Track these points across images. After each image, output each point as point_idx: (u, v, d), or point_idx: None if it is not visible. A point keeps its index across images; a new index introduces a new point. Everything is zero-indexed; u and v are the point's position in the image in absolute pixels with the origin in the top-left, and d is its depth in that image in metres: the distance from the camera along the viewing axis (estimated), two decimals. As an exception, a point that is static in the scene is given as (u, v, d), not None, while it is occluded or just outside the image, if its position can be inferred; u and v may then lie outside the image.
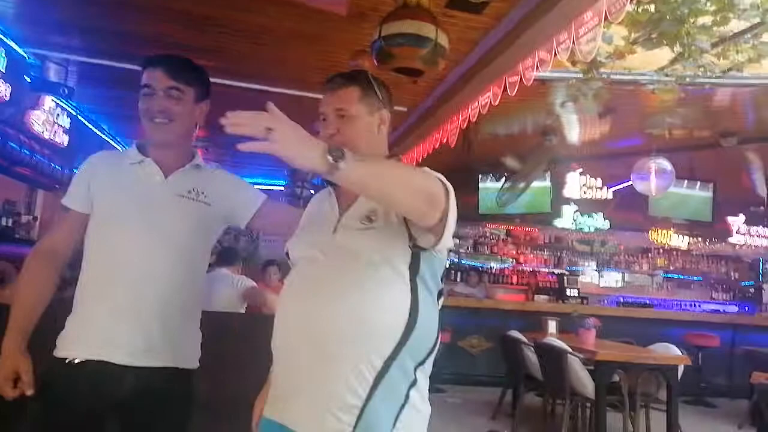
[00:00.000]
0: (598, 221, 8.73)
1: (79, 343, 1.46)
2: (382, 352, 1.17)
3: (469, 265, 9.83)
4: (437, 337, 1.26)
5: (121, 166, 1.57)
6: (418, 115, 5.43)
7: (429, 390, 1.28)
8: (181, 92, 1.54)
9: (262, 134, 0.96)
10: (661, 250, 10.18)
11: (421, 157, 6.02)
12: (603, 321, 4.70)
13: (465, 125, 4.83)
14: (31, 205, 5.80)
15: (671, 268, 10.37)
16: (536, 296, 8.51)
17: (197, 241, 1.58)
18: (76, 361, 1.44)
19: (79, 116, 5.99)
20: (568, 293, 8.20)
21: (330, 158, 0.99)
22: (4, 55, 4.16)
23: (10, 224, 4.60)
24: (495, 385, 5.29)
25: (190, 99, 1.56)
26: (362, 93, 1.34)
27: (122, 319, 1.45)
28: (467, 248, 10.26)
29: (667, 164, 5.78)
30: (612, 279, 10.41)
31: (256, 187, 1.78)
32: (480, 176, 7.66)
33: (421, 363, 1.22)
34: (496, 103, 4.19)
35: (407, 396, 1.19)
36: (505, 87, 3.90)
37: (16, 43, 4.33)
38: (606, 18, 2.81)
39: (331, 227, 1.28)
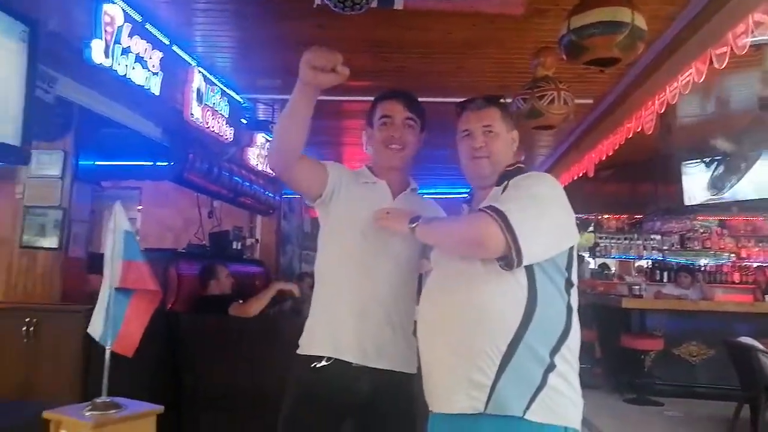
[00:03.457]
0: None
1: (320, 343, 1.63)
2: (505, 336, 1.30)
3: (677, 263, 8.82)
4: (567, 324, 1.35)
5: (357, 183, 1.75)
6: (605, 105, 5.07)
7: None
8: (414, 122, 1.73)
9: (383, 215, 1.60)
10: None
11: (611, 150, 5.59)
12: None
13: (662, 109, 4.37)
14: (253, 230, 6.72)
15: None
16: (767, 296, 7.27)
17: (415, 259, 1.71)
18: (322, 362, 1.59)
19: (283, 148, 6.77)
20: (811, 291, 6.86)
21: (411, 224, 1.52)
22: (227, 103, 4.91)
23: (239, 247, 5.38)
24: (721, 398, 4.67)
25: (418, 129, 1.75)
26: (502, 114, 1.58)
27: (357, 322, 1.60)
28: (672, 245, 9.22)
29: None
30: None
31: (439, 195, 1.86)
32: (683, 164, 6.84)
33: (556, 348, 1.32)
34: (701, 80, 3.72)
35: (544, 379, 1.29)
36: (710, 61, 3.45)
37: (234, 92, 5.08)
38: None
39: None
